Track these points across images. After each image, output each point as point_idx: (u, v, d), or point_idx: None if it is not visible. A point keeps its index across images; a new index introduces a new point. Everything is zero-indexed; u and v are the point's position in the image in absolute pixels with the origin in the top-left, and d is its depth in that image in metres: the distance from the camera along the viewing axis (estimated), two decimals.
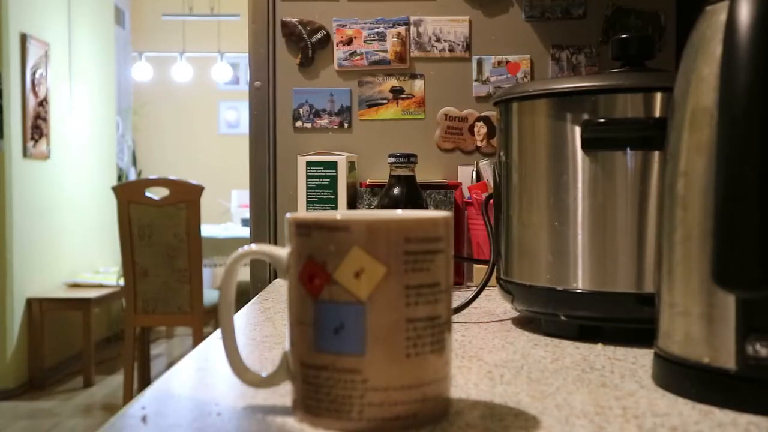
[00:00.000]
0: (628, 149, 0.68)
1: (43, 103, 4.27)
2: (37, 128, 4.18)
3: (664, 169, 0.55)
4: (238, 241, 4.28)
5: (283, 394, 0.52)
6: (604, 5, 1.26)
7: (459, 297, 0.99)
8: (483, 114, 1.28)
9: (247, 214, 3.20)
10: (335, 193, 1.16)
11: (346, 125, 1.29)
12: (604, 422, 0.46)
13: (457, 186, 1.18)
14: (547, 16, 1.27)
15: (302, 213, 0.72)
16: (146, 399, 0.51)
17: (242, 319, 0.83)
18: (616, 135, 0.69)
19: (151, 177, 5.54)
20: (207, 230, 4.42)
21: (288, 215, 0.47)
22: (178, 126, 6.83)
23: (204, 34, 6.63)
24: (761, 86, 0.45)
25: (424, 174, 1.23)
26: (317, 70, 1.29)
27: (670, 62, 1.24)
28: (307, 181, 1.17)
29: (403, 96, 1.28)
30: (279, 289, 1.08)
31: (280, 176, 1.28)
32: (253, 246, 0.50)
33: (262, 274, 1.27)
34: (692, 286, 0.51)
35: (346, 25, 1.28)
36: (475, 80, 1.28)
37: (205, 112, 6.84)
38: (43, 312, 4.09)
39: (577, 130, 0.70)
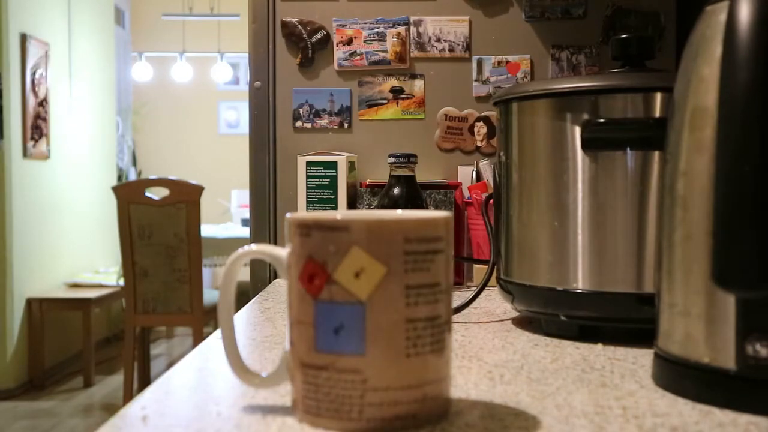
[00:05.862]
0: (628, 149, 0.68)
1: (43, 103, 4.27)
2: (37, 128, 4.18)
3: (664, 169, 0.55)
4: (238, 241, 4.28)
5: (283, 394, 0.52)
6: (604, 5, 1.26)
7: (459, 297, 0.99)
8: (483, 114, 1.28)
9: (247, 214, 3.20)
10: (335, 193, 1.16)
11: (346, 125, 1.29)
12: (604, 422, 0.46)
13: (457, 186, 1.18)
14: (547, 16, 1.27)
15: (302, 213, 0.72)
16: (146, 399, 0.51)
17: (242, 319, 0.83)
18: (616, 135, 0.69)
19: (151, 177, 5.54)
20: (207, 230, 4.41)
21: (288, 215, 0.47)
22: (178, 126, 6.83)
23: (204, 34, 6.63)
24: (761, 86, 0.45)
25: (424, 174, 1.23)
26: (317, 70, 1.29)
27: (670, 62, 1.24)
28: (307, 181, 1.17)
29: (403, 96, 1.28)
30: (279, 289, 1.08)
31: (280, 176, 1.28)
32: (253, 246, 0.50)
33: (262, 274, 1.27)
34: (692, 286, 0.51)
35: (346, 25, 1.28)
36: (475, 80, 1.28)
37: (204, 112, 6.84)
38: (43, 312, 4.09)
39: (577, 130, 0.70)
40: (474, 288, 1.01)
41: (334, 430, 0.44)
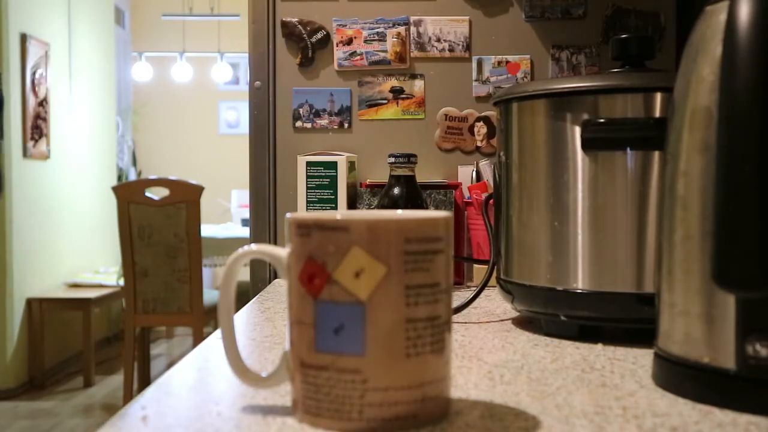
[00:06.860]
0: (628, 149, 0.68)
1: (43, 103, 4.27)
2: (37, 128, 4.18)
3: (664, 169, 0.55)
4: (238, 241, 4.28)
5: (283, 394, 0.52)
6: (604, 5, 1.26)
7: (459, 297, 0.99)
8: (483, 114, 1.28)
9: (247, 214, 3.20)
10: (335, 193, 1.16)
11: (346, 125, 1.29)
12: (604, 422, 0.46)
13: (457, 186, 1.18)
14: (547, 16, 1.27)
15: (302, 213, 0.72)
16: (146, 399, 0.51)
17: (242, 319, 0.83)
18: (616, 135, 0.69)
19: (151, 177, 5.53)
20: (207, 230, 4.41)
21: (288, 215, 0.47)
22: (178, 126, 6.83)
23: (204, 34, 6.63)
24: (761, 86, 0.45)
25: (424, 174, 1.23)
26: (317, 70, 1.29)
27: (670, 62, 1.24)
28: (307, 181, 1.17)
29: (403, 96, 1.28)
30: (279, 289, 1.08)
31: (280, 176, 1.28)
32: (253, 246, 0.50)
33: (262, 274, 1.27)
34: (692, 286, 0.51)
35: (346, 25, 1.28)
36: (475, 80, 1.28)
37: (204, 112, 6.84)
38: (43, 312, 4.09)
39: (577, 130, 0.70)
40: (474, 288, 1.01)
41: (334, 430, 0.44)
